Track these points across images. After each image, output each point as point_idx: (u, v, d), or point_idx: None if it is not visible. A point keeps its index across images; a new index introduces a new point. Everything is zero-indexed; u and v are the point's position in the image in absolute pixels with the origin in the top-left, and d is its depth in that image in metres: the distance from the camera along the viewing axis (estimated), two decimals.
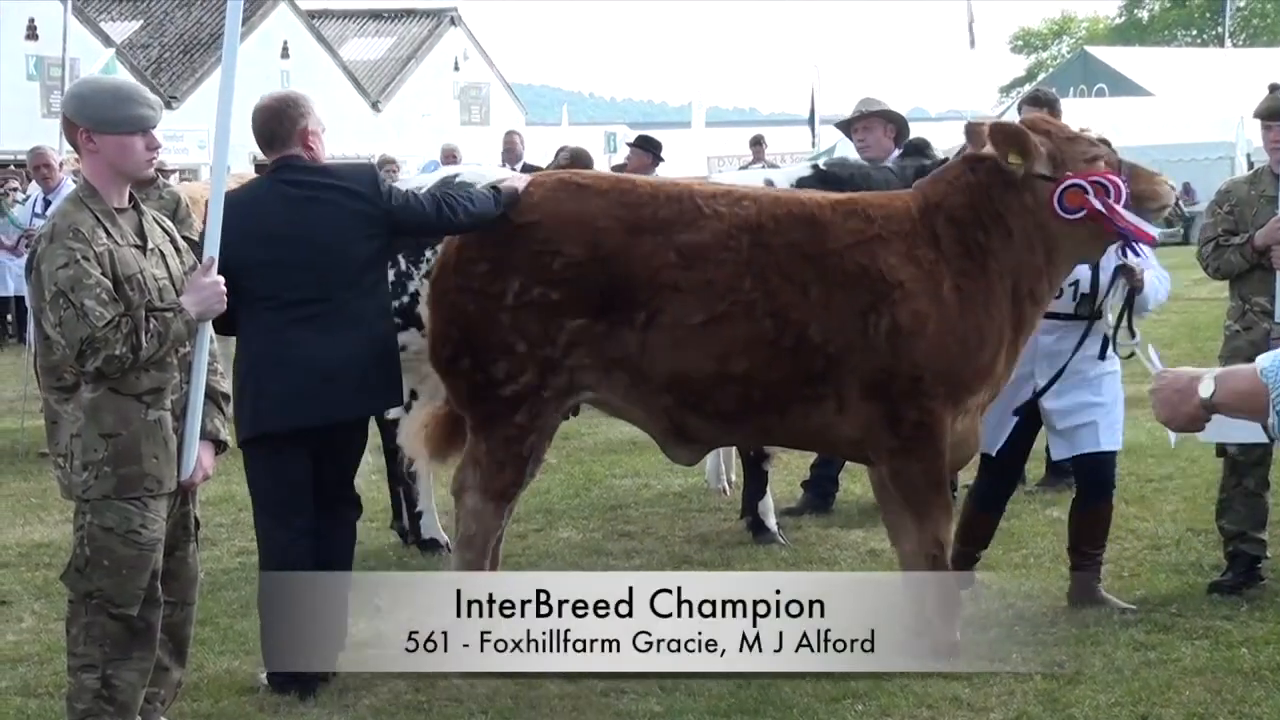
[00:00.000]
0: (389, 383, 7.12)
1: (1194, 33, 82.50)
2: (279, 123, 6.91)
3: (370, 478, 9.43)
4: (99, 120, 5.58)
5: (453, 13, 61.37)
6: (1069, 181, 7.16)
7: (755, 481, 9.73)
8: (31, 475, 12.12)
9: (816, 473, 10.55)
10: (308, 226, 6.75)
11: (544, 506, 10.72)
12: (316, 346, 6.71)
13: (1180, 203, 40.94)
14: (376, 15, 61.99)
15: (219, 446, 5.84)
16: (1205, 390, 3.82)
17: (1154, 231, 7.42)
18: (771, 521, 9.65)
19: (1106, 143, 7.42)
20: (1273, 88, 8.26)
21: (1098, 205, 7.12)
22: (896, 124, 10.03)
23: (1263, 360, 3.71)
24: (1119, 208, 7.16)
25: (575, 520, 10.37)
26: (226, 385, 5.91)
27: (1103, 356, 7.95)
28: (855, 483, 10.57)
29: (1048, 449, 11.03)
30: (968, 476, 9.90)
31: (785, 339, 7.04)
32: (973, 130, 7.42)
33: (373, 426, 8.10)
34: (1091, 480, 8.21)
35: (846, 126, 10.35)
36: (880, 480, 7.45)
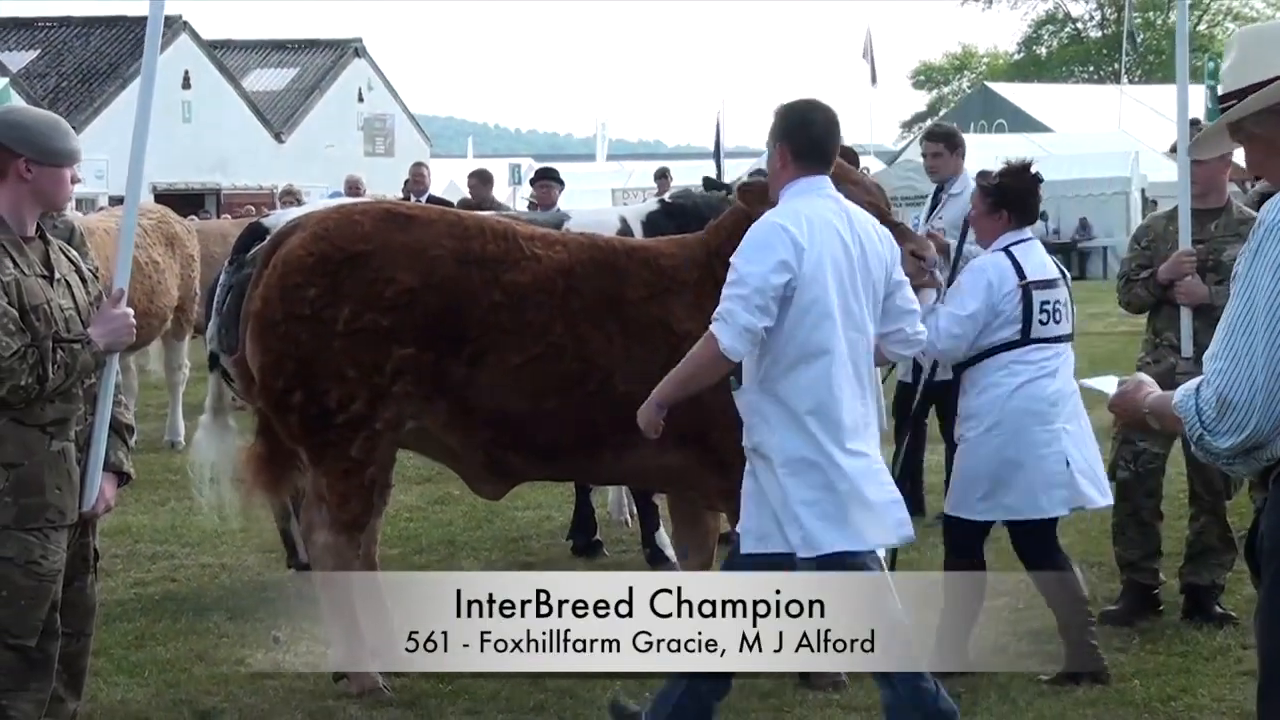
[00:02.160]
0: None
1: (1091, 69, 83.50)
2: None
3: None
4: (44, 151, 5.51)
5: (357, 44, 61.25)
6: None
7: (647, 513, 9.80)
8: None
9: None
10: None
11: (446, 538, 10.73)
12: None
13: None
14: (280, 46, 61.74)
15: (121, 478, 5.82)
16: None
17: None
18: (670, 550, 9.70)
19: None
20: (1194, 122, 8.39)
21: None
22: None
23: (1176, 395, 4.10)
24: None
25: (477, 552, 10.38)
26: (130, 417, 5.89)
27: None
28: None
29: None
30: None
31: (591, 383, 7.20)
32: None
33: None
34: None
35: None
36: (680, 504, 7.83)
